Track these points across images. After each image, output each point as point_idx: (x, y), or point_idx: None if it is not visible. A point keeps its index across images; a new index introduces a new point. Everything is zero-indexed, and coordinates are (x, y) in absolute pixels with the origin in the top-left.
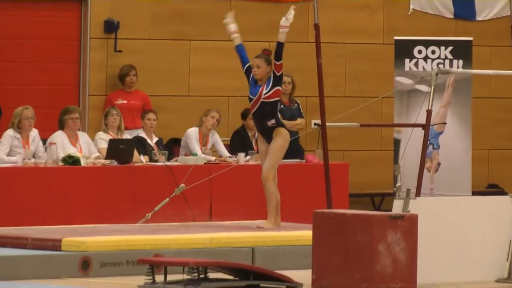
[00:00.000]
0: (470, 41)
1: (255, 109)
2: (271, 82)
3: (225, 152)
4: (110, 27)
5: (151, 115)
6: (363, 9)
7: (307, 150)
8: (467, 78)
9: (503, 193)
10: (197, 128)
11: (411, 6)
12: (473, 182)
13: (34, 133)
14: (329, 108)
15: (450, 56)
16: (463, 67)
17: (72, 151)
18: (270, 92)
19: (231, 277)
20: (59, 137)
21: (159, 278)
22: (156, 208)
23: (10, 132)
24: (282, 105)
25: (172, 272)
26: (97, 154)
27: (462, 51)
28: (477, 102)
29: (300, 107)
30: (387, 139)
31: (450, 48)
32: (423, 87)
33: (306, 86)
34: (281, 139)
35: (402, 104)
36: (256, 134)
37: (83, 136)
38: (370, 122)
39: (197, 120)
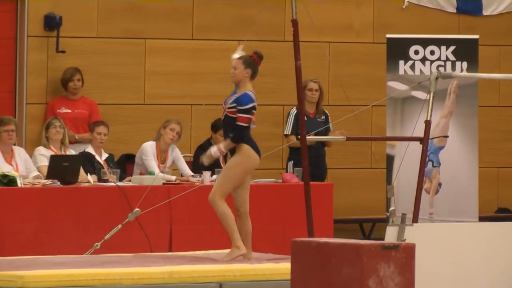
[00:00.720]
0: (476, 39)
1: (222, 118)
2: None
3: (187, 171)
4: (51, 23)
5: (101, 129)
6: (349, 2)
7: (283, 168)
8: (472, 84)
9: None
10: (154, 142)
11: None
12: (480, 205)
13: None
14: None
15: (452, 58)
16: (468, 70)
17: (7, 169)
18: (234, 109)
19: None
20: None
21: None
22: (106, 237)
23: None
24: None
25: None
26: (37, 173)
27: (466, 51)
28: (485, 112)
29: (330, 120)
30: (379, 155)
31: (452, 48)
32: (420, 94)
33: (282, 92)
34: (239, 156)
35: (396, 113)
36: None
37: (19, 152)
38: (358, 135)
39: (154, 132)
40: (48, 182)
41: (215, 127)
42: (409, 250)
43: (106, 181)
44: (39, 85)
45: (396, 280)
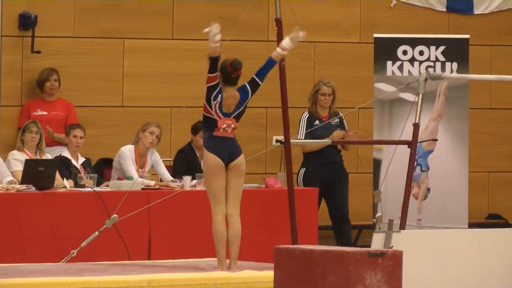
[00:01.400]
0: (467, 39)
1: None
2: None
3: (167, 175)
4: (26, 22)
5: (78, 132)
6: (335, 0)
7: (267, 173)
8: (462, 85)
9: (506, 225)
10: (132, 146)
11: None
12: (470, 211)
13: None
14: (294, 122)
15: (442, 58)
16: (458, 71)
17: None
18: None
19: None
20: None
21: None
22: (83, 244)
23: None
24: (317, 121)
25: None
26: (11, 178)
27: (456, 51)
28: (475, 114)
29: (344, 121)
30: (365, 159)
31: (442, 48)
32: (408, 96)
33: (265, 94)
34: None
35: (384, 116)
36: None
37: None
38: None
39: (133, 136)
40: (23, 187)
41: (195, 130)
42: (396, 258)
43: (83, 186)
44: (13, 86)
45: None
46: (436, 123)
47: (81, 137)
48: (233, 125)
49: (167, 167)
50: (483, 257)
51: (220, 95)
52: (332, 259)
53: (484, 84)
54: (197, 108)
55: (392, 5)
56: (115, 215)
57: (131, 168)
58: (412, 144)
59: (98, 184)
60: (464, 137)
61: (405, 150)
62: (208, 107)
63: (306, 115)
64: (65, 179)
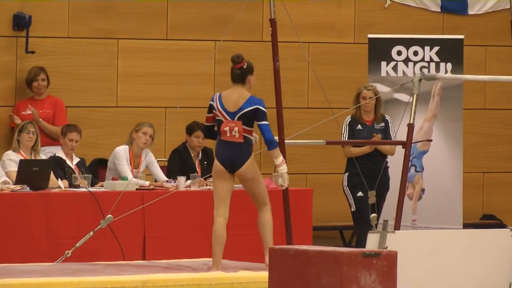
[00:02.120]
0: (461, 39)
1: None
2: None
3: (161, 176)
4: (20, 23)
5: (74, 135)
6: (330, 1)
7: (261, 174)
8: (457, 85)
9: (501, 225)
10: (127, 147)
11: None
12: (465, 212)
13: None
14: (289, 122)
15: (436, 58)
16: (452, 71)
17: None
18: None
19: None
20: None
21: None
22: (78, 244)
23: None
24: (359, 125)
25: None
26: (5, 178)
27: (451, 52)
28: (470, 115)
29: (390, 125)
30: None
31: (436, 48)
32: (403, 96)
33: (260, 94)
34: None
35: None
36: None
37: None
38: (338, 139)
39: (127, 136)
40: (17, 187)
41: (190, 130)
42: (391, 258)
43: (77, 186)
44: (7, 87)
45: None
46: (430, 124)
47: (76, 141)
48: (237, 128)
49: (161, 167)
50: (478, 257)
51: (216, 95)
52: (327, 259)
53: (478, 85)
54: (192, 108)
55: (386, 5)
56: (110, 216)
57: (126, 169)
58: (406, 144)
59: (92, 185)
60: (458, 137)
61: (399, 151)
62: (214, 111)
63: (348, 119)
64: (59, 179)
